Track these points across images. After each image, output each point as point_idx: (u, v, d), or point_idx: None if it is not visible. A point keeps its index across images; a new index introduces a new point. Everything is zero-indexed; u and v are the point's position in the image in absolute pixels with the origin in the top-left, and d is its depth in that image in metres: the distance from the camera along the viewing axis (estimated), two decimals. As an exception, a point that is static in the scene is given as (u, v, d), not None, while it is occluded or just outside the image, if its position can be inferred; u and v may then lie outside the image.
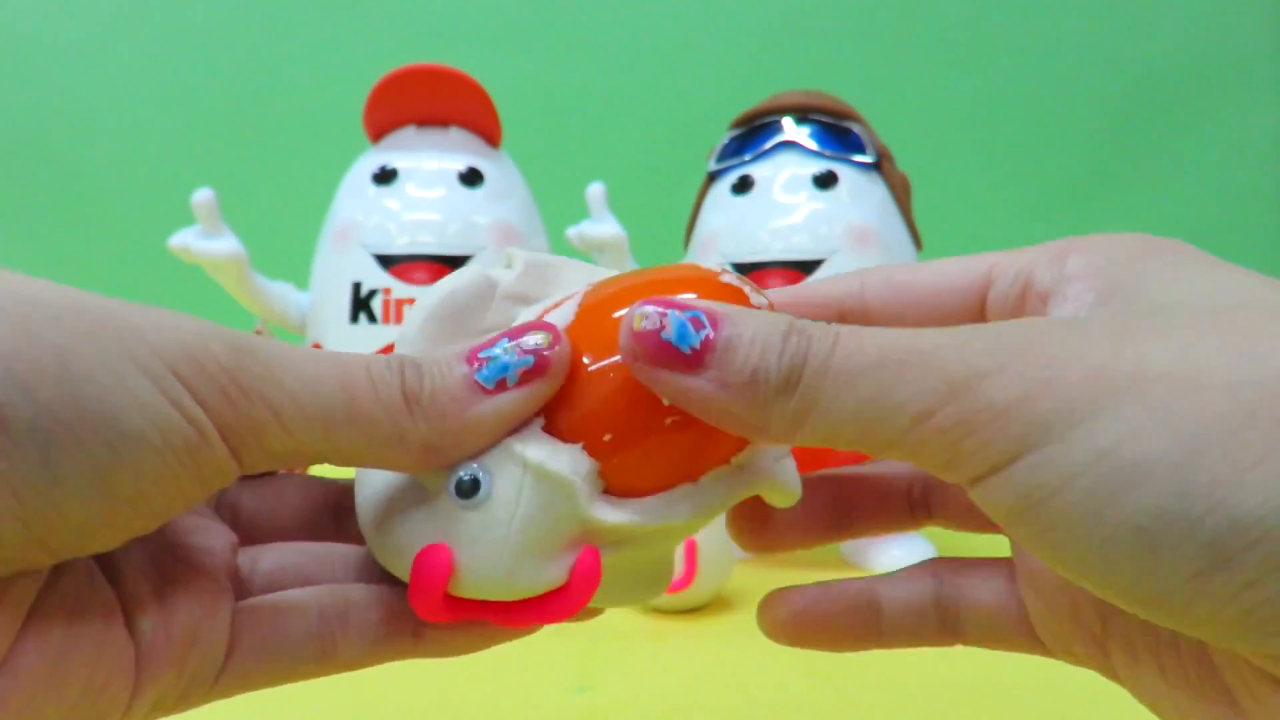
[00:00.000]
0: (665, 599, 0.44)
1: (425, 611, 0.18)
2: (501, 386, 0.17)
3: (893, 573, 0.21)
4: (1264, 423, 0.12)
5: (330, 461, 0.17)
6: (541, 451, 0.18)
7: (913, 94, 1.13)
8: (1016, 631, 0.20)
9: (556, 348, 0.18)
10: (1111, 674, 0.18)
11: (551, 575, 0.18)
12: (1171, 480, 0.13)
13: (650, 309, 0.16)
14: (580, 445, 0.18)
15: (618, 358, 0.18)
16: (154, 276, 1.18)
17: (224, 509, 0.21)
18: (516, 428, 0.18)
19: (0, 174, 1.22)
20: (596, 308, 0.19)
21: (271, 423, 0.16)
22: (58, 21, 1.20)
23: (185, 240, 0.52)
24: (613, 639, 0.41)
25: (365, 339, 0.52)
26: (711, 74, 1.14)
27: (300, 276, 0.57)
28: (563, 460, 0.18)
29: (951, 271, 0.20)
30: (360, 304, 0.52)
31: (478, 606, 0.18)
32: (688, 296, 0.17)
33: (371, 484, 0.20)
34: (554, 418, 0.18)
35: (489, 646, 0.20)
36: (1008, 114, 1.15)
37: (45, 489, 0.13)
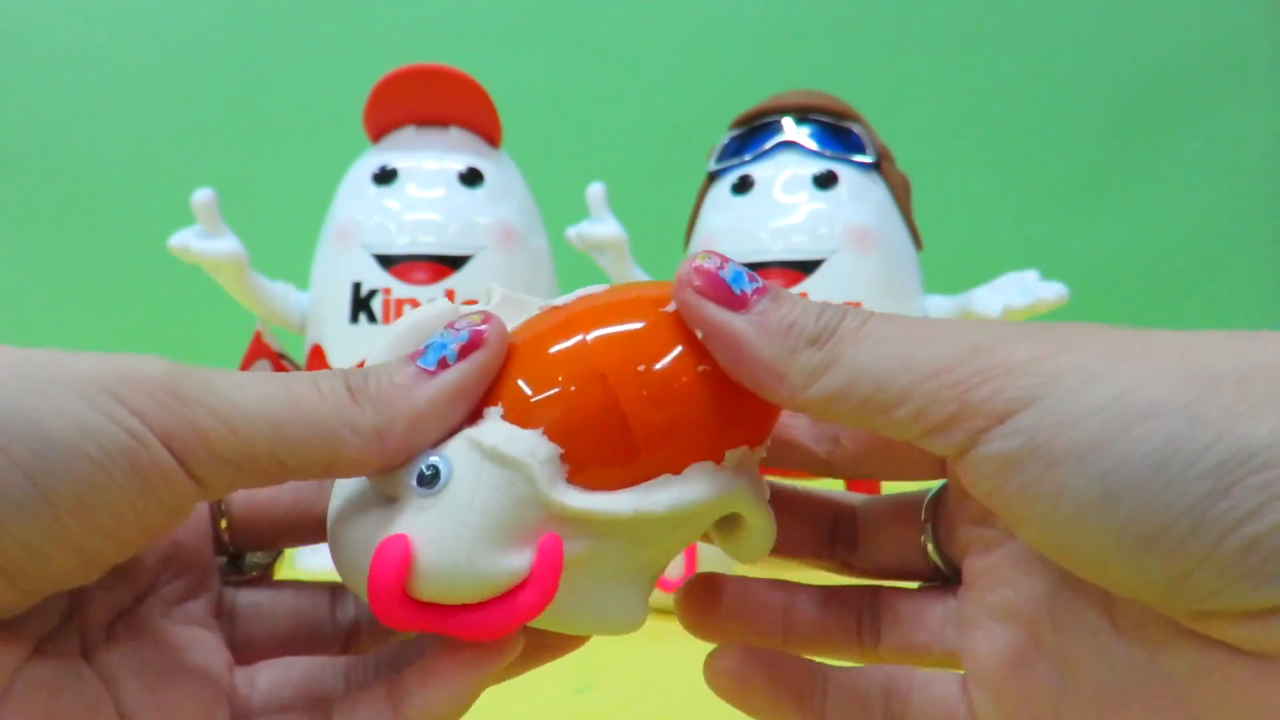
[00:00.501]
0: (665, 599, 0.44)
1: (384, 611, 0.17)
2: (443, 365, 0.18)
3: (849, 667, 0.21)
4: (1266, 375, 0.13)
5: (287, 471, 0.17)
6: (497, 436, 0.18)
7: (913, 94, 1.13)
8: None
9: (489, 324, 0.18)
10: None
11: (513, 565, 0.17)
12: (1182, 414, 0.13)
13: (714, 258, 0.18)
14: (539, 430, 0.18)
15: (576, 338, 0.18)
16: (154, 276, 1.18)
17: (222, 619, 0.21)
18: (474, 417, 0.18)
19: (0, 174, 1.22)
20: (552, 309, 0.20)
21: (216, 425, 0.16)
22: (58, 22, 1.20)
23: (185, 240, 0.52)
24: (613, 639, 0.41)
25: (365, 339, 0.52)
26: (711, 74, 1.14)
27: (300, 276, 0.57)
28: (520, 444, 0.18)
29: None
30: (360, 304, 0.52)
31: (439, 612, 0.17)
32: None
33: (336, 497, 0.20)
34: (512, 405, 0.18)
35: (470, 702, 0.19)
36: (1008, 114, 1.15)
37: None
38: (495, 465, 0.17)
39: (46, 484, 0.14)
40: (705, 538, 0.22)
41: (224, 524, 0.21)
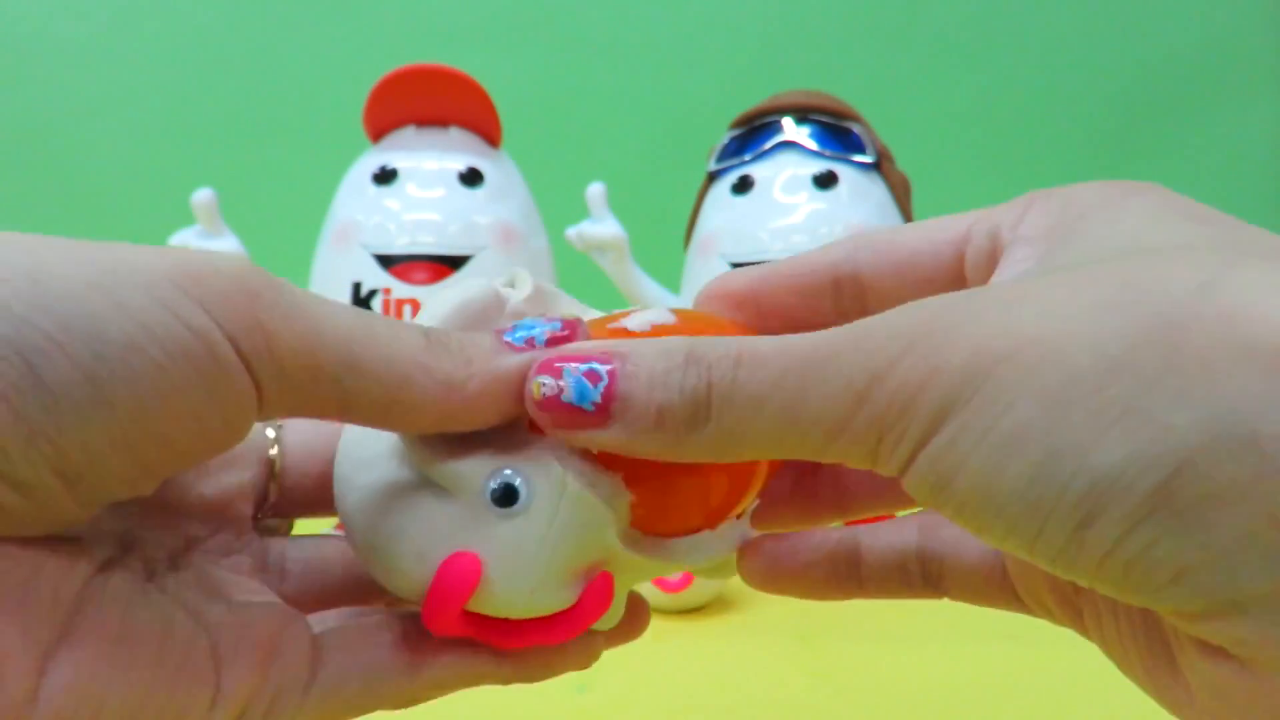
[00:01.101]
0: (665, 599, 0.44)
1: (439, 623, 0.17)
2: (530, 345, 0.17)
3: (877, 525, 0.21)
4: (1124, 377, 0.13)
5: (347, 400, 0.16)
6: (583, 474, 0.18)
7: (913, 94, 1.13)
8: (998, 588, 0.20)
9: (581, 325, 0.18)
10: (1084, 632, 0.19)
11: (565, 598, 0.18)
12: (1041, 446, 0.13)
13: (545, 377, 0.16)
14: (620, 476, 0.18)
15: None
16: (154, 276, 1.18)
17: (270, 574, 0.21)
18: (555, 443, 0.18)
19: (0, 174, 1.22)
20: (619, 329, 0.19)
21: (285, 330, 0.15)
22: (58, 21, 1.20)
23: (185, 240, 0.52)
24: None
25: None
26: (711, 74, 1.14)
27: (300, 276, 0.57)
28: (603, 487, 0.18)
29: (933, 232, 0.20)
30: (360, 304, 0.52)
31: (479, 624, 0.17)
32: (584, 346, 0.17)
33: (364, 478, 0.19)
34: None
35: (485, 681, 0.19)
36: (1008, 114, 1.15)
37: (41, 400, 0.13)
38: (575, 502, 0.17)
39: (106, 384, 0.13)
40: None
41: (275, 486, 0.21)
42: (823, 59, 1.14)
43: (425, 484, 0.18)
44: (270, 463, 0.21)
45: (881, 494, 0.22)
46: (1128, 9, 1.14)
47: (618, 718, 0.33)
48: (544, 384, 0.16)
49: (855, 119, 0.57)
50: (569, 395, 0.16)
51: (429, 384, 0.16)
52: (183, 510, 0.19)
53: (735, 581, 0.52)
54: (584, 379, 0.16)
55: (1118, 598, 0.14)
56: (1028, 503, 0.13)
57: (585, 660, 0.20)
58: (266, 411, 0.16)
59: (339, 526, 0.19)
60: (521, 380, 0.17)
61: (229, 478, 0.20)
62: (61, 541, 0.15)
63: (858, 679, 0.37)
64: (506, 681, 0.19)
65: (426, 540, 0.17)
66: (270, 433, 0.21)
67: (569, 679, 0.36)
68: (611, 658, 0.40)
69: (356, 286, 0.52)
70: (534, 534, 0.17)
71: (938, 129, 1.13)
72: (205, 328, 0.14)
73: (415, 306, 0.52)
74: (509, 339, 0.17)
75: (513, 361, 0.17)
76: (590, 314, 0.21)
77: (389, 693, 0.18)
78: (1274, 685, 0.13)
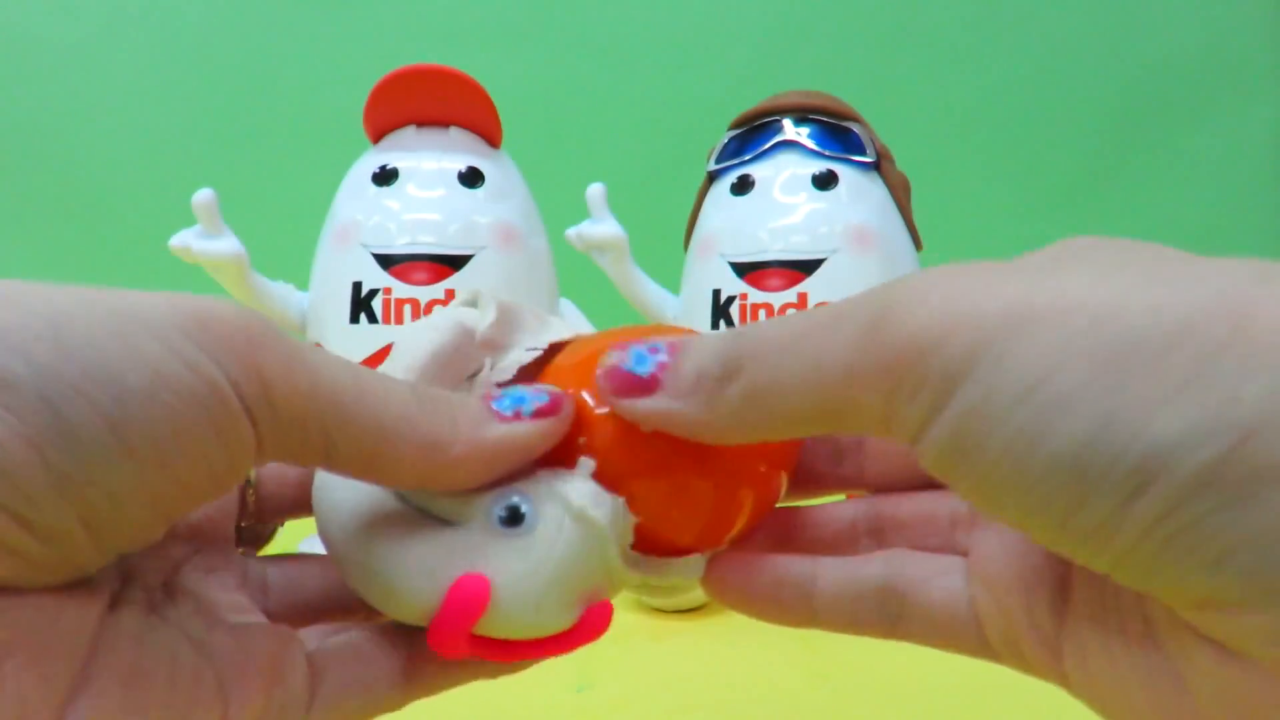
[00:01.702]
0: (666, 599, 0.44)
1: (445, 644, 0.17)
2: (516, 416, 0.18)
3: (840, 558, 0.21)
4: (1189, 344, 0.12)
5: (331, 451, 0.16)
6: (586, 496, 0.18)
7: (913, 94, 1.13)
8: (963, 630, 0.19)
9: (566, 398, 0.19)
10: (1059, 677, 0.18)
11: (566, 620, 0.18)
12: (1096, 411, 0.12)
13: (616, 351, 0.18)
14: (624, 500, 0.18)
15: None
16: (154, 276, 1.18)
17: (253, 590, 0.21)
18: (566, 462, 0.18)
19: (0, 174, 1.21)
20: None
21: (281, 377, 0.15)
22: (58, 21, 1.20)
23: (185, 240, 0.52)
24: (613, 639, 0.41)
25: (365, 339, 0.52)
26: (711, 74, 1.14)
27: (300, 276, 0.57)
28: (606, 509, 0.18)
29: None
30: (360, 304, 0.52)
31: (486, 644, 0.18)
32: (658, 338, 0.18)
33: (353, 501, 0.19)
34: (606, 467, 0.18)
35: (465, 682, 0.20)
36: (1007, 114, 1.15)
37: (67, 447, 0.14)
38: (578, 523, 0.18)
39: (128, 432, 0.14)
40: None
41: (252, 495, 0.21)
42: (823, 59, 1.14)
43: (407, 509, 0.19)
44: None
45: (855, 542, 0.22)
46: (1128, 10, 1.14)
47: (618, 718, 0.33)
48: (612, 353, 0.18)
49: (855, 119, 0.57)
50: (627, 363, 0.18)
51: (413, 444, 0.17)
52: (169, 533, 0.19)
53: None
54: (645, 352, 0.18)
55: (1140, 585, 0.13)
56: (1072, 472, 0.13)
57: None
58: (261, 456, 0.16)
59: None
60: (503, 450, 0.18)
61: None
62: (76, 584, 0.15)
63: (858, 679, 0.37)
64: (494, 677, 0.20)
65: (433, 563, 0.18)
66: None
67: (569, 679, 0.36)
68: (611, 658, 0.40)
69: (356, 286, 0.52)
70: (541, 555, 0.17)
71: (938, 129, 1.13)
72: (212, 375, 0.15)
73: (415, 306, 0.52)
74: (497, 407, 0.18)
75: (497, 431, 0.18)
76: (553, 324, 0.22)
77: (386, 703, 0.19)
78: None
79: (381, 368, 0.20)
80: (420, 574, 0.18)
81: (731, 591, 0.21)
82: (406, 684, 0.19)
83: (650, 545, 0.19)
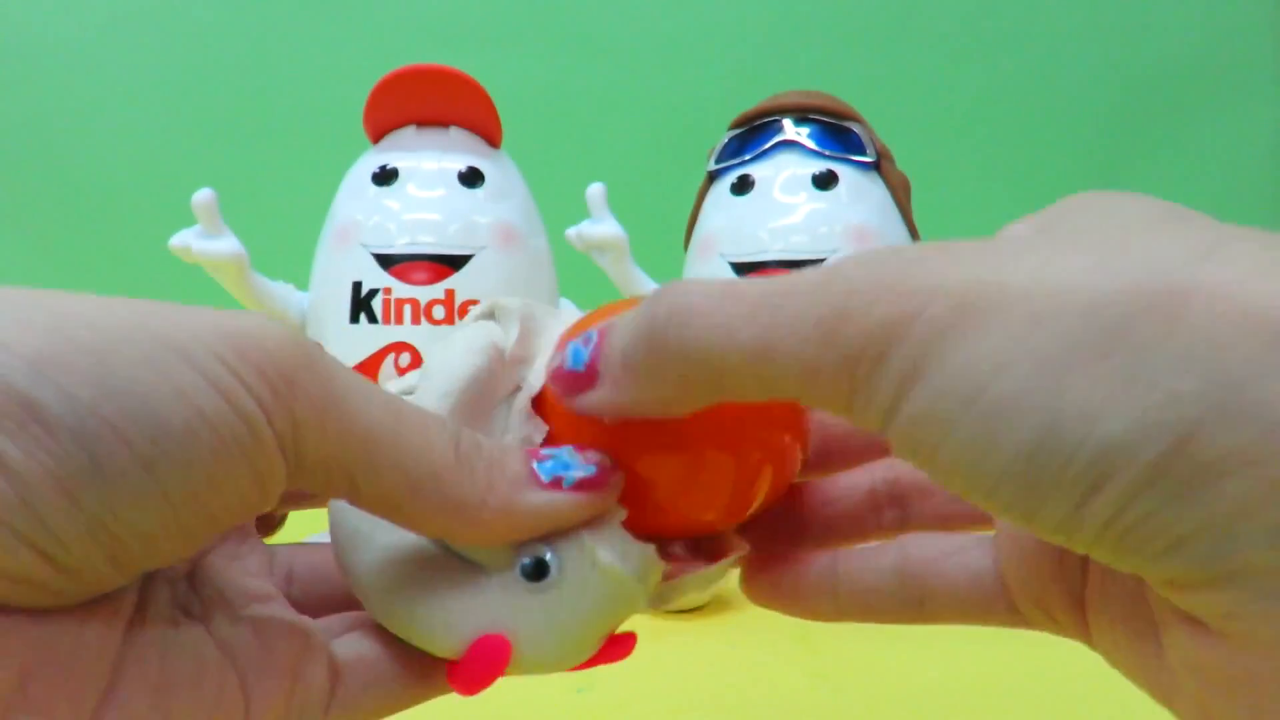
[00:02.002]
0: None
1: (468, 690, 0.17)
2: (556, 485, 0.17)
3: (857, 549, 0.21)
4: (1126, 344, 0.12)
5: (356, 495, 0.16)
6: (614, 550, 0.18)
7: (913, 94, 1.13)
8: (991, 601, 0.19)
9: (616, 473, 0.18)
10: (1086, 636, 0.18)
11: (588, 655, 0.18)
12: (1042, 416, 0.13)
13: (558, 350, 0.17)
14: (654, 546, 0.18)
15: (704, 451, 0.18)
16: (154, 276, 1.18)
17: (277, 578, 0.21)
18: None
19: (0, 174, 1.21)
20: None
21: (312, 422, 0.15)
22: (58, 21, 1.20)
23: (185, 240, 0.52)
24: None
25: (365, 339, 0.52)
26: (711, 74, 1.14)
27: (300, 276, 0.57)
28: (633, 561, 0.18)
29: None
30: (360, 304, 0.52)
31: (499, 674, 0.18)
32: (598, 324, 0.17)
33: (380, 544, 0.19)
34: (636, 515, 0.18)
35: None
36: (1008, 113, 1.15)
37: (99, 489, 0.13)
38: (605, 578, 0.18)
39: (162, 474, 0.14)
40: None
41: None
42: (823, 59, 1.14)
43: (440, 551, 0.18)
44: None
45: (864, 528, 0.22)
46: (1128, 10, 1.14)
47: (618, 718, 0.33)
48: (556, 355, 0.17)
49: (855, 119, 0.57)
50: (566, 362, 0.17)
51: (443, 503, 0.17)
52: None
53: (735, 581, 0.52)
54: (581, 346, 0.17)
55: (1112, 564, 0.13)
56: (1027, 477, 0.13)
57: None
58: (291, 485, 0.16)
59: None
60: (537, 520, 0.17)
61: None
62: (99, 599, 0.15)
63: (858, 679, 0.37)
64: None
65: (455, 615, 0.17)
66: None
67: (569, 679, 0.36)
68: (611, 658, 0.40)
69: (357, 286, 0.52)
70: (565, 608, 0.17)
71: (938, 129, 1.13)
72: (251, 411, 0.14)
73: (415, 306, 0.52)
74: (539, 469, 0.18)
75: (534, 501, 0.17)
76: (562, 315, 0.21)
77: (404, 701, 0.19)
78: (1254, 662, 0.13)
79: (417, 390, 0.19)
80: (442, 624, 0.17)
81: (760, 594, 0.21)
82: (425, 684, 0.19)
83: (672, 525, 0.19)
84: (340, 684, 0.18)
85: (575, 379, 0.17)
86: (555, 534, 0.18)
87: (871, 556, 0.20)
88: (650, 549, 0.18)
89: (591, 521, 0.18)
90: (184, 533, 0.15)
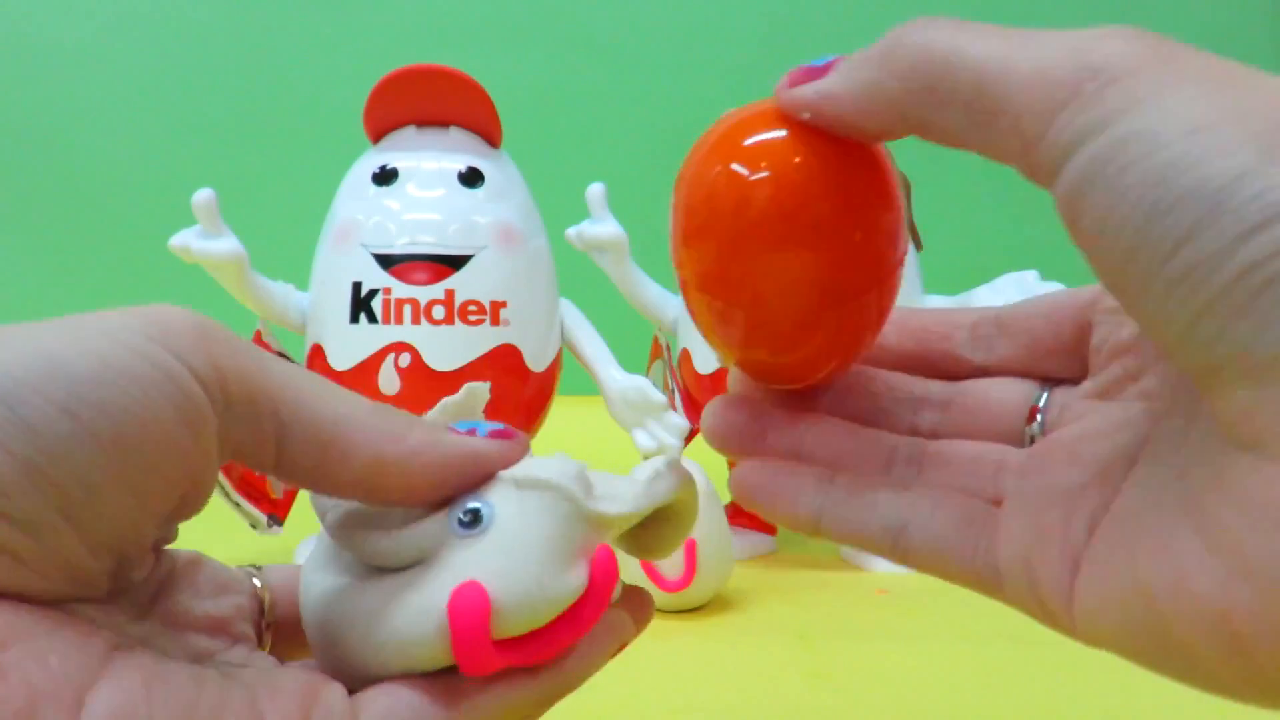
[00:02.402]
0: (665, 599, 0.44)
1: (473, 660, 0.17)
2: (471, 434, 0.19)
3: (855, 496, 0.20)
4: None
5: (283, 435, 0.17)
6: (527, 466, 0.18)
7: (913, 94, 1.13)
8: (969, 551, 0.19)
9: (521, 433, 0.20)
10: (1064, 599, 0.17)
11: (575, 581, 0.18)
12: (1249, 160, 0.13)
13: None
14: (564, 453, 0.19)
15: None
16: (154, 276, 1.18)
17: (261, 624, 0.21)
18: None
19: (0, 174, 1.21)
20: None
21: (231, 365, 0.16)
22: (58, 21, 1.20)
23: (185, 240, 0.52)
24: (613, 639, 0.41)
25: (365, 339, 0.52)
26: (711, 74, 1.14)
27: (300, 276, 0.57)
28: (549, 468, 0.18)
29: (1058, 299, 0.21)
30: (360, 304, 0.52)
31: (515, 646, 0.17)
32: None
33: (323, 579, 0.19)
34: (735, 243, 0.18)
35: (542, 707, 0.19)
36: (1008, 114, 1.15)
37: (26, 436, 0.14)
38: (533, 492, 0.18)
39: (83, 416, 0.15)
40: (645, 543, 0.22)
41: (267, 613, 0.21)
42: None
43: (371, 572, 0.19)
44: (258, 594, 0.21)
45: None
46: (1127, 10, 1.14)
47: (618, 718, 0.33)
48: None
49: (855, 119, 0.57)
50: (807, 63, 0.18)
51: (367, 435, 0.17)
52: (190, 625, 0.19)
53: (735, 581, 0.52)
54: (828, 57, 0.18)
55: (1207, 350, 0.13)
56: (1209, 199, 0.13)
57: (616, 645, 0.20)
58: (221, 444, 0.17)
59: None
60: (457, 456, 0.18)
61: (226, 600, 0.19)
62: (86, 601, 0.16)
63: (858, 679, 0.37)
64: (550, 702, 0.19)
65: (420, 600, 0.17)
66: (253, 574, 0.21)
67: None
68: (611, 658, 0.40)
69: (356, 286, 0.52)
70: (514, 537, 0.18)
71: (938, 129, 1.13)
72: (164, 360, 0.16)
73: (415, 306, 0.52)
74: (453, 427, 0.19)
75: (451, 438, 0.18)
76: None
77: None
78: None
79: None
80: (415, 617, 0.17)
81: (746, 495, 0.21)
82: (449, 698, 0.18)
83: (786, 366, 0.19)
84: (362, 716, 0.17)
85: (810, 71, 0.18)
86: (477, 492, 0.18)
87: (863, 511, 0.20)
88: (561, 454, 0.19)
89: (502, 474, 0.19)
90: (128, 485, 0.15)
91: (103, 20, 1.20)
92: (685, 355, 0.58)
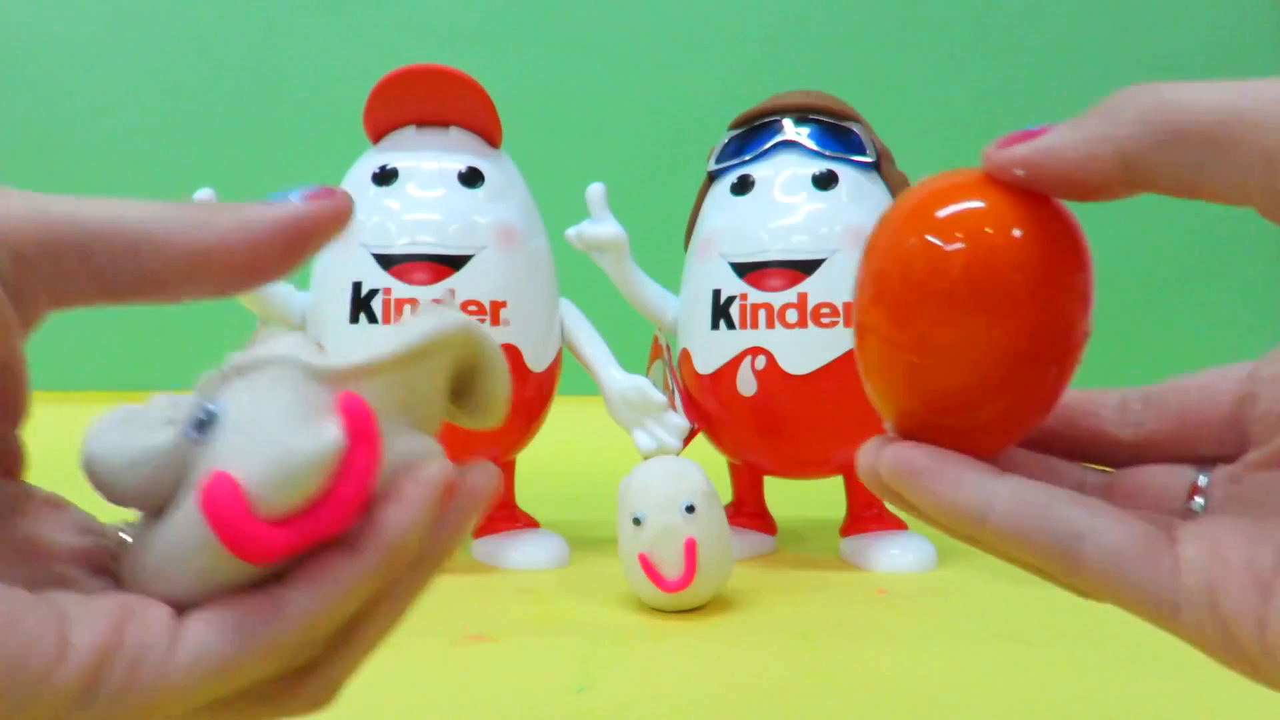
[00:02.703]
0: (665, 599, 0.44)
1: (242, 542, 0.16)
2: (284, 199, 0.18)
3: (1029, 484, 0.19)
4: None
5: (92, 258, 0.17)
6: (251, 351, 0.18)
7: (913, 94, 1.13)
8: (1152, 571, 0.17)
9: (340, 190, 0.19)
10: (1257, 622, 0.17)
11: (327, 435, 0.17)
12: None
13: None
14: (282, 329, 0.19)
15: None
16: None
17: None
18: None
19: (0, 174, 1.21)
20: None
21: (19, 208, 0.16)
22: (58, 21, 1.20)
23: (185, 240, 0.52)
24: (613, 639, 0.41)
25: (365, 339, 0.52)
26: (711, 74, 1.14)
27: (300, 276, 0.58)
28: (274, 346, 0.18)
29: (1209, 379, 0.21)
30: (360, 304, 0.52)
31: (296, 523, 0.17)
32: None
33: (134, 555, 0.18)
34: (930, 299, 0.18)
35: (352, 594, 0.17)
36: (1007, 114, 1.15)
37: None
38: (258, 372, 0.18)
39: None
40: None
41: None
42: (823, 59, 1.14)
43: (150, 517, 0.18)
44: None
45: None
46: (1128, 9, 1.14)
47: (618, 718, 0.33)
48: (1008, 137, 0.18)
49: (855, 119, 0.57)
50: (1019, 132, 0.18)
51: (174, 223, 0.17)
52: (40, 555, 0.18)
53: (735, 581, 0.52)
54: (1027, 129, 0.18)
55: None
56: None
57: (449, 544, 0.19)
58: (25, 303, 0.16)
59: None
60: (270, 221, 0.18)
61: (87, 538, 0.19)
62: None
63: (858, 679, 0.37)
64: (383, 576, 0.18)
65: (182, 511, 0.17)
66: (123, 530, 0.20)
67: (569, 679, 0.36)
68: (611, 658, 0.40)
69: (357, 286, 0.52)
70: (246, 416, 0.17)
71: (938, 129, 1.13)
72: None
73: (415, 306, 0.52)
74: (269, 197, 0.19)
75: (267, 207, 0.18)
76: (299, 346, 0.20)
77: (265, 641, 0.17)
78: None
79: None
80: (182, 532, 0.17)
81: (903, 477, 0.19)
82: (280, 614, 0.17)
83: (939, 427, 0.19)
84: (185, 625, 0.16)
85: (1024, 134, 0.18)
86: (302, 255, 0.18)
87: (1040, 505, 0.18)
88: (295, 334, 0.18)
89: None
90: None
91: (103, 20, 1.20)
92: (685, 355, 0.58)
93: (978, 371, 0.18)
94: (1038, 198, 0.18)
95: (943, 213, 0.18)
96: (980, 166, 0.19)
